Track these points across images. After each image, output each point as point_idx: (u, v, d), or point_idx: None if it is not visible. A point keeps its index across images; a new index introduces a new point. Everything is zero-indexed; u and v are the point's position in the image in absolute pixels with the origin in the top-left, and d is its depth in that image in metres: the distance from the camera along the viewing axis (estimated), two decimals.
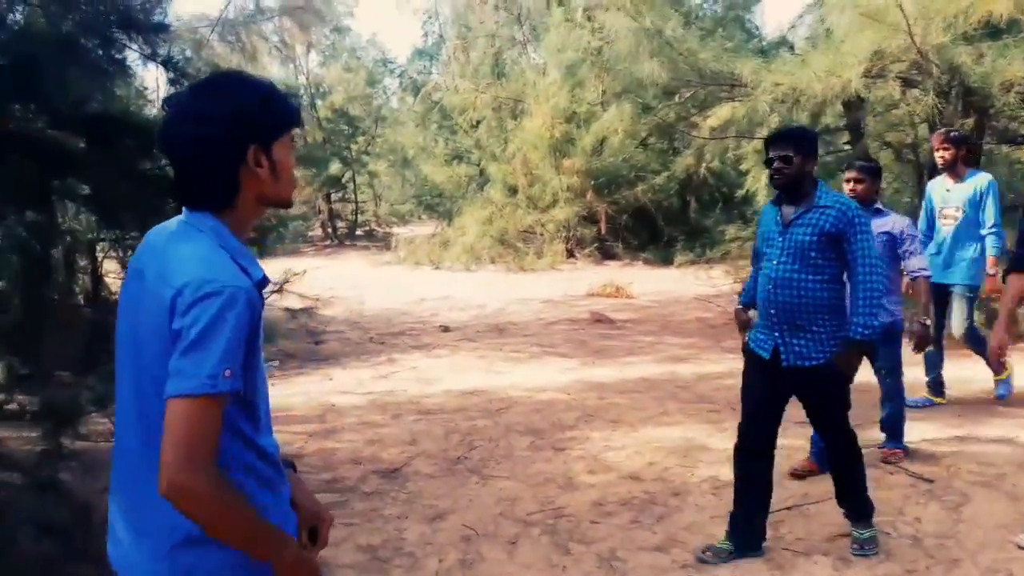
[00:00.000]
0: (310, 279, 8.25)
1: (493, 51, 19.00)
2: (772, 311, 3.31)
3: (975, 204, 5.27)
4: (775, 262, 3.31)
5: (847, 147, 9.55)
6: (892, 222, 4.24)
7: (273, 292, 7.53)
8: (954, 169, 5.34)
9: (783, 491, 3.94)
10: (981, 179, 5.35)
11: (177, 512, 1.31)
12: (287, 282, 8.08)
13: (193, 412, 1.28)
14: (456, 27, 21.50)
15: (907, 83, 7.32)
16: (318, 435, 5.54)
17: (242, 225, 1.47)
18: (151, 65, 4.45)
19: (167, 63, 3.73)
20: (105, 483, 4.47)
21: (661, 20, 8.19)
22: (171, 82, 3.74)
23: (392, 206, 24.30)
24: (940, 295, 5.22)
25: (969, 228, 5.30)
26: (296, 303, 8.18)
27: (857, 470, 3.48)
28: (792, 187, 3.32)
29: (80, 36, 3.58)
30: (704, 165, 13.60)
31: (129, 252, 4.93)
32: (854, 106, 8.21)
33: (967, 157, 5.54)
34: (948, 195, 5.40)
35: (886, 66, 6.98)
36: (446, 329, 9.47)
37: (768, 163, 3.36)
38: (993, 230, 5.24)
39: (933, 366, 5.44)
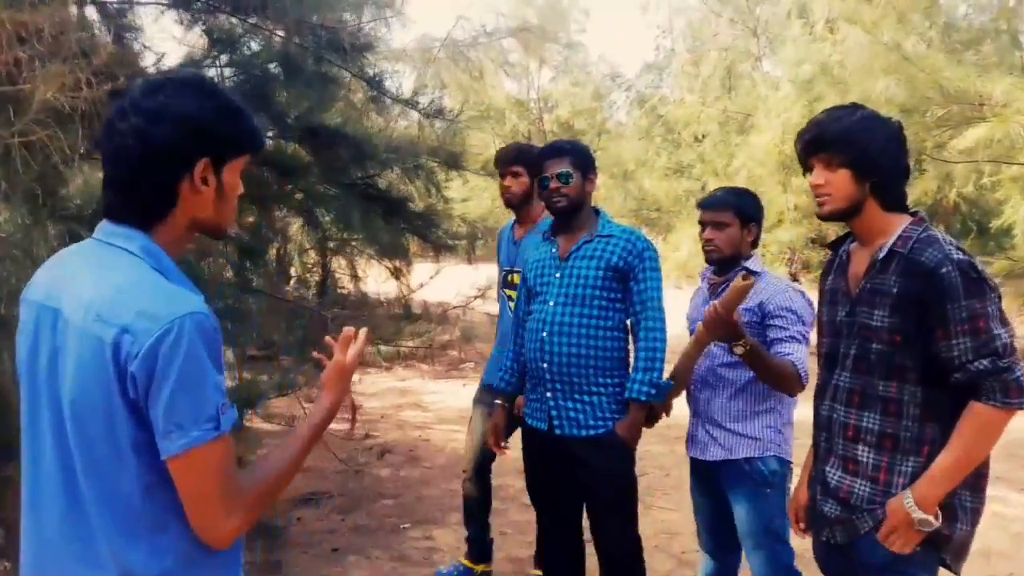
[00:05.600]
0: None
1: (725, 64, 18.45)
2: (545, 364, 2.68)
3: None
4: (551, 303, 2.69)
5: None
6: (768, 290, 2.54)
7: (476, 297, 7.89)
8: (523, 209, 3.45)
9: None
10: None
11: None
12: (490, 288, 8.42)
13: (208, 461, 1.14)
14: (689, 41, 21.15)
15: None
16: None
17: (172, 247, 1.26)
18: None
19: (371, 81, 4.01)
20: (252, 458, 4.84)
21: (902, 34, 7.48)
22: (372, 99, 4.02)
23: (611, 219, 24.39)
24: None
25: None
26: (495, 308, 8.49)
27: None
28: (573, 211, 2.72)
29: (299, 57, 3.96)
30: (954, 191, 12.23)
31: (334, 254, 5.37)
32: None
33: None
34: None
35: None
36: None
37: (543, 184, 2.72)
38: None
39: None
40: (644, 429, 2.70)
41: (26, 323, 1.25)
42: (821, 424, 1.99)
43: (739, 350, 2.26)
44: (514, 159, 3.35)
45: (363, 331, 1.51)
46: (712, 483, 2.65)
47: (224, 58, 4.31)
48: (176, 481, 1.15)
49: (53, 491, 1.19)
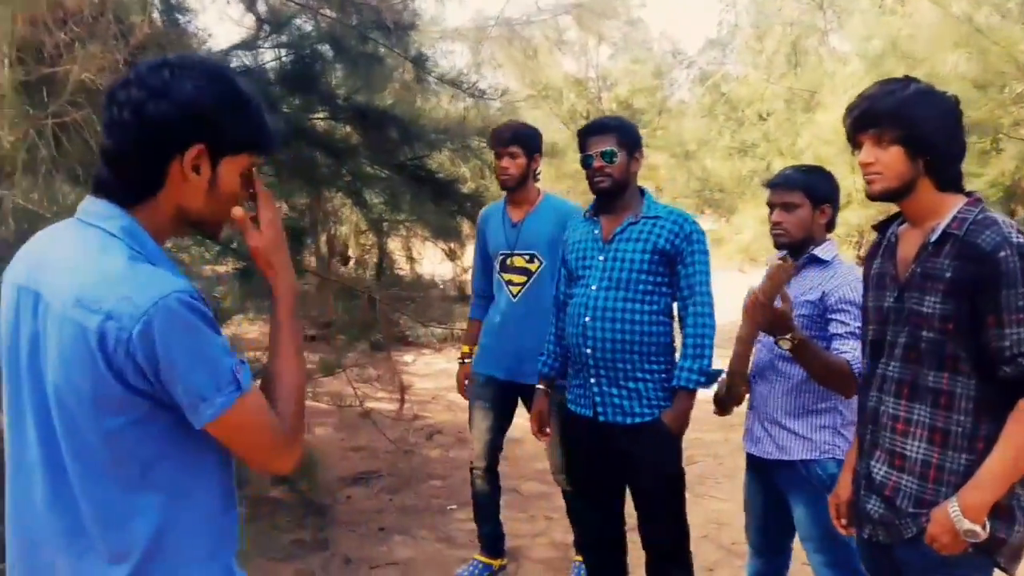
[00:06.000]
0: None
1: (790, 39, 17.88)
2: (588, 350, 2.59)
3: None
4: (594, 287, 2.61)
5: None
6: (834, 281, 2.35)
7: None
8: (518, 190, 3.27)
9: None
10: (565, 206, 3.32)
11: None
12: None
13: (244, 419, 1.16)
14: (753, 15, 20.56)
15: None
16: None
17: (157, 231, 1.22)
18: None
19: (415, 60, 3.97)
20: (333, 440, 4.89)
21: (974, 6, 7.08)
22: (418, 79, 3.99)
23: (673, 200, 23.99)
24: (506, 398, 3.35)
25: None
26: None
27: None
28: (617, 191, 2.63)
29: (346, 37, 3.95)
30: None
31: (387, 236, 5.39)
32: None
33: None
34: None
35: None
36: None
37: (585, 163, 2.65)
38: None
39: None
40: (715, 416, 2.61)
41: (7, 304, 1.21)
42: (867, 416, 1.88)
43: (785, 344, 2.12)
44: (511, 139, 3.19)
45: (254, 173, 1.31)
46: (767, 481, 2.53)
47: (275, 39, 4.34)
48: (224, 443, 1.19)
49: (37, 479, 1.17)
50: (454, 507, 4.13)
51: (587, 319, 2.58)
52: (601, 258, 2.63)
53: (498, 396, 3.29)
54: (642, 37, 23.12)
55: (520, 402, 3.34)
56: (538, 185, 3.32)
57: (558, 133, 18.76)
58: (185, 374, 1.11)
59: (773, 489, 2.51)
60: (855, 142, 1.80)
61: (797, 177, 2.45)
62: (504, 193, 3.34)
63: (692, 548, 3.72)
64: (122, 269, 1.12)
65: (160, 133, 1.16)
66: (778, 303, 2.08)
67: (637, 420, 2.56)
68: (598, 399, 2.61)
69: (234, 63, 4.28)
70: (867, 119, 1.75)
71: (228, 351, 1.15)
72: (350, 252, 8.59)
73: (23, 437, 1.18)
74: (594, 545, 2.86)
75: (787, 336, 2.11)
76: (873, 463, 1.83)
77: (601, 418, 2.61)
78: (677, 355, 2.63)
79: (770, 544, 2.61)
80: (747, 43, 19.87)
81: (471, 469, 3.42)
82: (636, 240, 2.59)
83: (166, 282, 1.12)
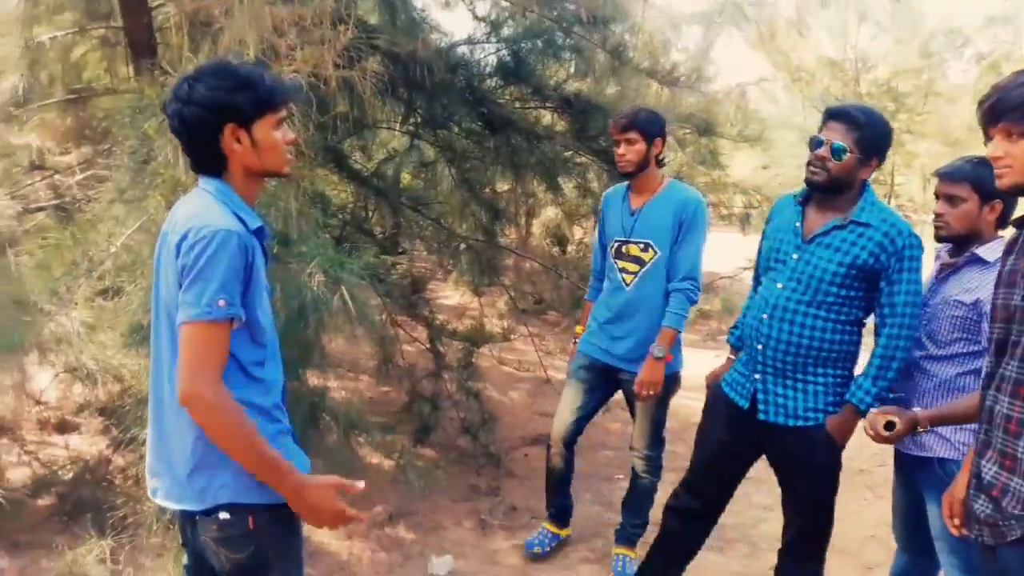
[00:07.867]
0: None
1: None
2: (760, 346, 2.51)
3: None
4: (780, 285, 2.48)
5: None
6: (992, 286, 2.17)
7: (746, 268, 7.71)
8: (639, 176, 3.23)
9: None
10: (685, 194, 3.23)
11: (190, 439, 1.60)
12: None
13: (197, 336, 1.52)
14: None
15: None
16: None
17: (245, 190, 1.70)
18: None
19: (614, 52, 4.17)
20: (504, 398, 5.34)
21: None
22: (613, 70, 4.19)
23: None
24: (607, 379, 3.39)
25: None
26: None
27: None
28: (829, 190, 2.43)
29: (550, 31, 4.25)
30: None
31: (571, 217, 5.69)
32: None
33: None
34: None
35: None
36: None
37: (813, 144, 2.43)
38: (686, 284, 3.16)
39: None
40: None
41: (158, 244, 1.71)
42: (984, 415, 1.86)
43: (923, 432, 2.25)
44: (627, 125, 3.10)
45: (350, 512, 1.70)
46: (910, 477, 2.53)
47: (495, 35, 4.75)
48: (178, 345, 1.56)
49: (165, 360, 1.67)
50: (621, 477, 4.35)
51: (764, 316, 2.50)
52: (795, 256, 2.48)
53: (597, 381, 3.32)
54: (909, 16, 21.10)
55: (622, 392, 3.36)
56: (661, 171, 3.26)
57: (813, 116, 17.82)
58: (190, 282, 1.53)
59: (916, 486, 2.50)
60: (987, 135, 1.79)
61: (965, 169, 2.37)
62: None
63: (856, 547, 3.69)
64: (204, 210, 1.61)
65: (200, 129, 1.62)
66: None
67: (800, 423, 2.49)
68: (760, 396, 2.54)
69: (459, 56, 4.76)
70: (996, 111, 1.73)
71: (225, 290, 1.53)
72: (568, 234, 8.97)
73: (159, 332, 1.70)
74: (682, 514, 2.83)
75: (920, 431, 2.22)
76: (984, 462, 1.82)
77: (761, 415, 2.54)
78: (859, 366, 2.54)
79: (916, 542, 2.59)
80: None
81: (548, 445, 3.47)
82: (836, 249, 2.40)
83: (225, 222, 1.58)
